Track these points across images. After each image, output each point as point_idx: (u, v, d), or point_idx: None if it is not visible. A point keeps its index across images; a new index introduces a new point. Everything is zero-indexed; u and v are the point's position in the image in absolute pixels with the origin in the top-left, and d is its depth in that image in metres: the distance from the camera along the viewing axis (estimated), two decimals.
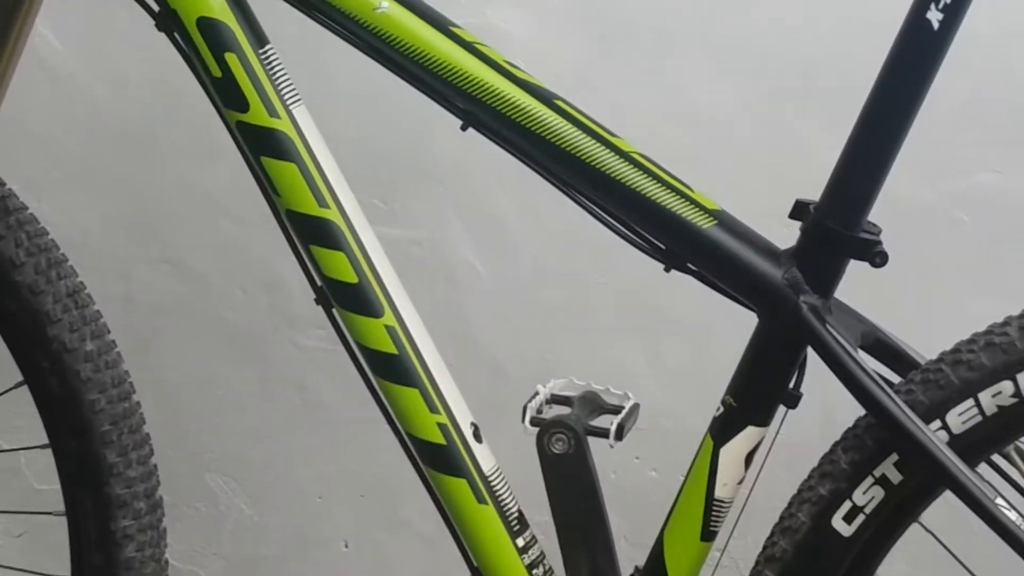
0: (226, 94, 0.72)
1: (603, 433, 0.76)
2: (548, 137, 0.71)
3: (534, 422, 0.76)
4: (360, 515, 1.34)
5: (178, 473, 1.07)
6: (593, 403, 0.80)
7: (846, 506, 0.70)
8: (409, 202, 1.22)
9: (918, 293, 1.04)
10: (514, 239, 1.22)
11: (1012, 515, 0.65)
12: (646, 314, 1.05)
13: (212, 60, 0.71)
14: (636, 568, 0.77)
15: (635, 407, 0.79)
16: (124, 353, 0.88)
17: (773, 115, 1.09)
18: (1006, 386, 0.67)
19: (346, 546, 1.34)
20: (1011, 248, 1.11)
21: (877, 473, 0.69)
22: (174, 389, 1.26)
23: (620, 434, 0.76)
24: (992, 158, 1.12)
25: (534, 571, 0.76)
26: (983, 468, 0.72)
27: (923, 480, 0.69)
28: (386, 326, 0.72)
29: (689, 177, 0.72)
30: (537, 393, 0.80)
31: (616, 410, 0.79)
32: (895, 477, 0.69)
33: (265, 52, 0.73)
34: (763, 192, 0.94)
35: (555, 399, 0.80)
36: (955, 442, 0.68)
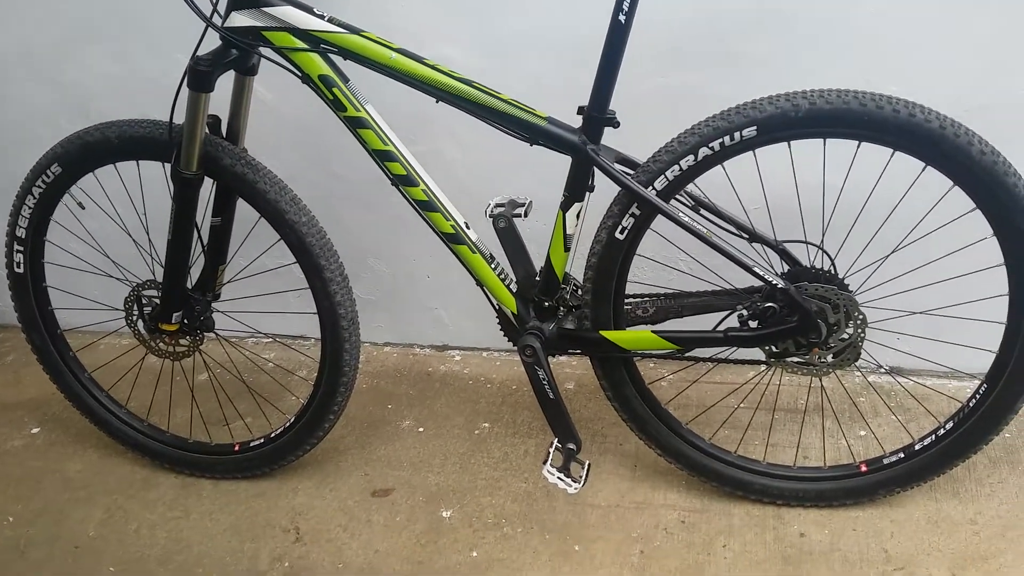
0: (336, 106, 1.62)
1: (519, 215, 1.68)
2: (473, 100, 1.57)
3: (490, 215, 1.69)
4: (432, 264, 2.31)
5: (349, 257, 1.83)
6: (515, 203, 1.71)
7: (620, 227, 1.61)
8: (422, 131, 2.06)
9: (639, 137, 1.62)
10: (474, 148, 2.12)
11: (685, 219, 1.58)
12: (534, 161, 1.67)
13: (327, 92, 1.61)
14: (540, 269, 1.71)
15: (531, 202, 1.71)
16: (320, 215, 1.77)
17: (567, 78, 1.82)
18: (675, 167, 1.58)
19: (428, 277, 2.38)
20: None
21: (630, 212, 1.62)
22: (350, 228, 2.20)
23: (526, 213, 1.68)
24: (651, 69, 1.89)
25: (500, 277, 1.70)
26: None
27: (649, 212, 1.62)
28: (422, 189, 1.66)
29: (544, 106, 1.60)
30: (490, 203, 1.71)
31: (523, 204, 1.70)
32: (636, 212, 1.62)
33: (348, 84, 1.63)
34: (570, 105, 1.58)
35: (498, 204, 1.71)
36: (660, 193, 1.59)
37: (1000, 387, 1.60)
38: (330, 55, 1.61)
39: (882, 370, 2.11)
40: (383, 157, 1.65)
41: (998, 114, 1.73)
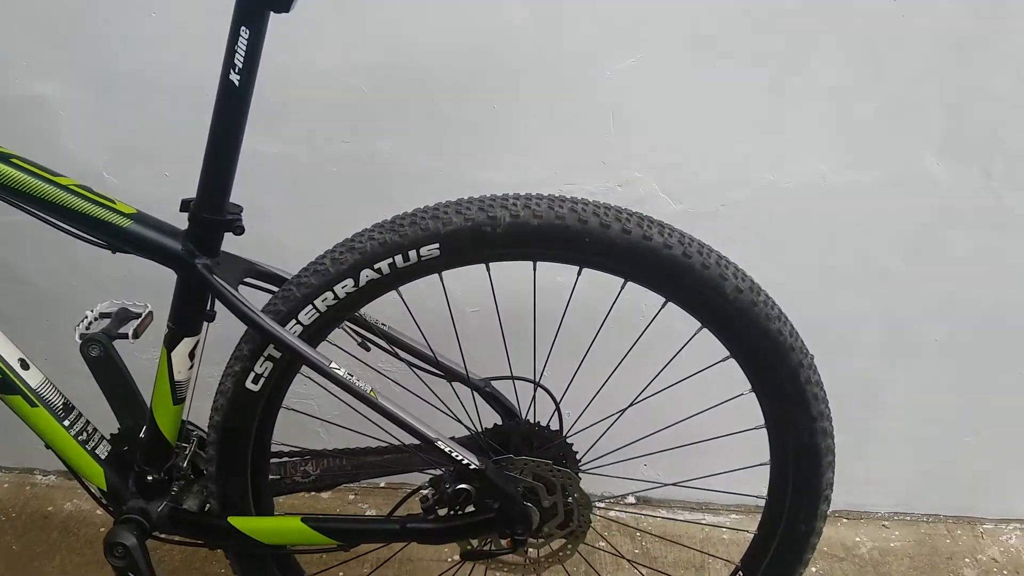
0: None
1: (124, 336, 1.12)
2: (14, 186, 1.01)
3: (80, 336, 1.11)
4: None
5: None
6: (125, 315, 1.15)
7: (252, 373, 1.10)
8: None
9: (300, 238, 1.28)
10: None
11: (341, 372, 1.08)
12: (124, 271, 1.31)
13: None
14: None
15: (150, 312, 1.15)
16: None
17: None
18: (328, 295, 1.08)
19: None
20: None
21: (266, 354, 1.11)
22: None
23: (136, 334, 1.12)
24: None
25: (79, 438, 1.15)
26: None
27: (290, 356, 1.12)
28: None
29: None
30: (88, 314, 1.15)
31: (138, 316, 1.14)
32: (275, 355, 1.11)
33: None
34: (174, 196, 1.08)
35: (102, 315, 1.15)
36: (305, 331, 1.10)
37: None
38: None
39: (627, 501, 1.75)
40: None
41: (747, 209, 1.38)
